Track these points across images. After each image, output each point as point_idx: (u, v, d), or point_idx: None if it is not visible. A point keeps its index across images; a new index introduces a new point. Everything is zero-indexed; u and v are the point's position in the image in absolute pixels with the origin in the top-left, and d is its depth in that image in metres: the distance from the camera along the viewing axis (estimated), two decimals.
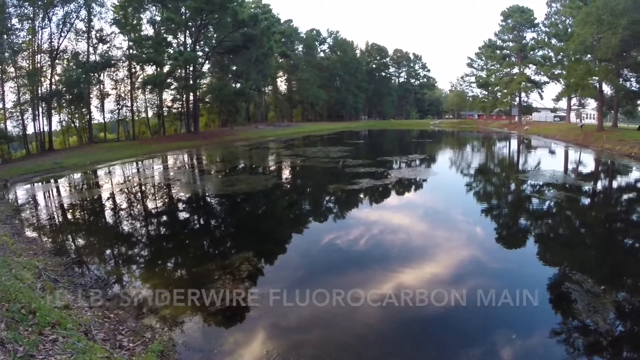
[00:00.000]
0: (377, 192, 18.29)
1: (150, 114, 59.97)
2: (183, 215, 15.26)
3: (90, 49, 48.66)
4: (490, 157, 37.15)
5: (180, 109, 59.13)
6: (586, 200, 18.52)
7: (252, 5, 74.58)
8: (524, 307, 7.29)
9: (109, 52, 50.86)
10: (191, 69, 53.59)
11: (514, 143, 52.18)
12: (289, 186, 20.87)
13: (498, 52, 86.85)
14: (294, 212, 15.95)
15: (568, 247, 11.66)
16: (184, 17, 51.80)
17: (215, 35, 57.10)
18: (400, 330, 6.78)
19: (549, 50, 71.42)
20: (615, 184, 23.22)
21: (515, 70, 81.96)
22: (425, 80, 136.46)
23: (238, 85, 60.43)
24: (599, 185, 22.49)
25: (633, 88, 47.98)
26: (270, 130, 67.59)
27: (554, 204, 16.50)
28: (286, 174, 24.93)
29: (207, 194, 18.31)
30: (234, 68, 61.30)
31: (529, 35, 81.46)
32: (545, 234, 12.90)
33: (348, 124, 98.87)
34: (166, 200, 17.37)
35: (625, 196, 20.07)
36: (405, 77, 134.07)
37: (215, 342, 6.36)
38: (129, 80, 53.72)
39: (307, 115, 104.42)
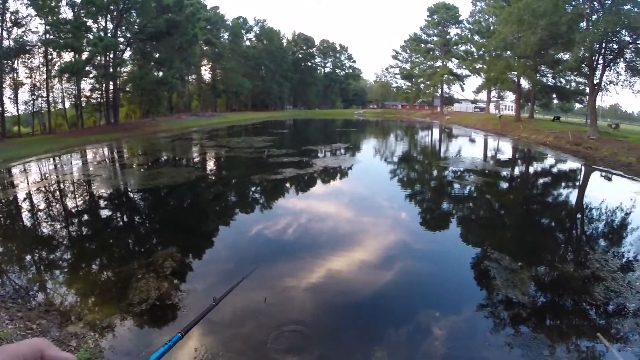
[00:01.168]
0: (302, 181, 17.67)
1: (67, 104, 54.53)
2: (104, 213, 13.91)
3: (4, 34, 44.31)
4: (413, 146, 37.42)
5: (99, 99, 54.17)
6: (504, 185, 19.10)
7: None
8: (449, 286, 7.76)
9: (24, 37, 45.63)
10: (111, 56, 49.39)
11: (436, 132, 53.25)
12: (212, 178, 19.87)
13: (423, 45, 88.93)
14: (218, 205, 15.05)
15: (487, 228, 12.15)
16: (105, 0, 48.30)
17: (137, 20, 52.68)
18: (333, 316, 6.70)
19: (472, 46, 74.00)
20: (531, 170, 24.13)
21: (439, 63, 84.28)
22: (350, 70, 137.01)
23: (160, 73, 57.09)
24: (516, 171, 23.18)
25: (549, 83, 50.50)
26: (194, 120, 64.91)
27: (474, 188, 16.91)
28: (209, 165, 23.86)
29: (128, 190, 16.91)
30: (157, 55, 57.55)
31: (453, 30, 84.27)
32: (466, 217, 13.22)
33: (273, 113, 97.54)
34: (86, 198, 15.78)
35: (540, 180, 20.77)
36: (331, 67, 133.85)
37: (143, 343, 5.90)
38: (45, 68, 48.50)
39: (232, 104, 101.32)
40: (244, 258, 9.06)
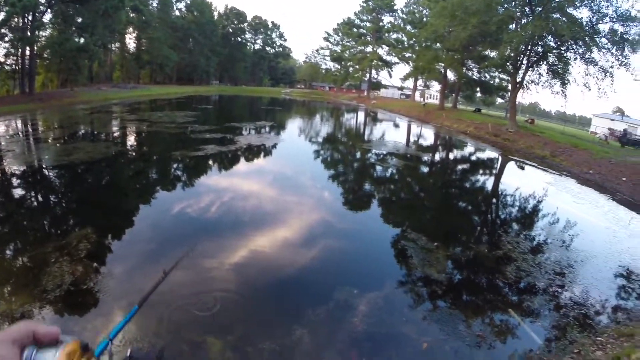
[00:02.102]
0: (225, 158, 16.76)
1: None
2: (14, 192, 12.51)
3: None
4: (338, 127, 37.08)
5: (14, 65, 49.53)
6: (424, 169, 19.27)
7: None
8: (368, 264, 7.74)
9: None
10: (30, 18, 45.29)
11: (361, 115, 53.33)
12: (131, 154, 18.37)
13: (355, 30, 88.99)
14: (137, 182, 13.85)
15: (407, 209, 12.21)
16: None
17: None
18: (255, 294, 6.42)
19: (403, 35, 74.74)
20: (451, 156, 24.63)
21: (369, 49, 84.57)
22: (280, 49, 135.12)
23: (82, 40, 53.14)
24: (437, 157, 23.55)
25: (474, 77, 52.08)
26: (115, 92, 60.40)
27: (395, 171, 16.92)
28: (129, 140, 22.18)
29: (41, 166, 15.36)
30: (79, 20, 53.00)
31: (387, 18, 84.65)
32: (387, 198, 13.16)
33: (198, 88, 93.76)
34: None
35: (459, 167, 21.18)
36: (261, 44, 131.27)
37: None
38: None
39: (156, 77, 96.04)
40: (164, 239, 8.22)
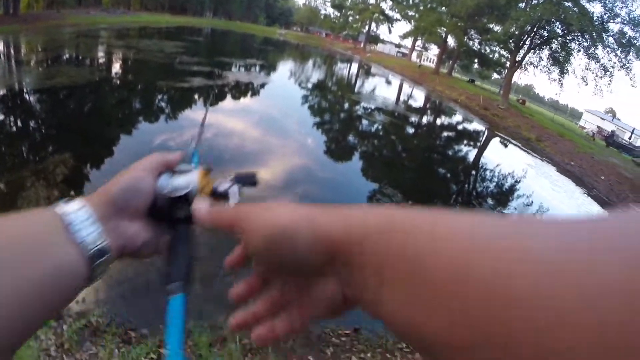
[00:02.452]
0: (211, 93, 16.43)
1: None
2: None
3: None
4: (329, 75, 36.51)
5: None
6: (410, 130, 19.08)
7: None
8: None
9: None
10: None
11: (355, 67, 52.51)
12: (115, 81, 17.46)
13: None
14: (118, 110, 13.27)
15: (387, 166, 12.13)
16: None
17: None
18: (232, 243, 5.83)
19: None
20: (438, 122, 24.43)
21: (373, 0, 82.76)
22: None
23: None
24: (424, 120, 23.34)
25: (474, 47, 51.39)
26: (104, 16, 57.29)
27: (381, 127, 16.83)
28: (114, 67, 21.24)
29: (22, 89, 14.52)
30: None
31: None
32: (369, 152, 13.15)
33: (191, 19, 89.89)
34: None
35: (445, 133, 21.13)
36: None
37: None
38: None
39: (147, 3, 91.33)
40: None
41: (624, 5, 28.71)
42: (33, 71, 17.27)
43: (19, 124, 11.05)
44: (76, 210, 0.53)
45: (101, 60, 22.33)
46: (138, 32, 43.18)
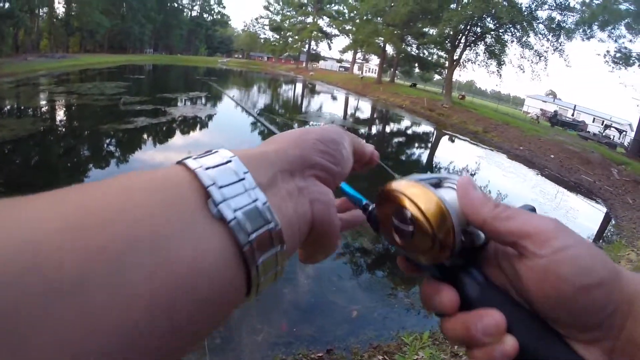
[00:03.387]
0: (156, 131, 16.09)
1: None
2: None
3: None
4: (275, 98, 36.57)
5: None
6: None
7: None
8: None
9: None
10: None
11: (299, 87, 53.14)
12: (58, 129, 17.08)
13: (296, 0, 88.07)
14: (63, 159, 13.04)
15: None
16: None
17: None
18: None
19: (344, 7, 74.52)
20: (387, 129, 24.81)
21: (310, 19, 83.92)
22: (218, 16, 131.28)
23: (6, 5, 48.98)
24: (373, 129, 23.56)
25: (413, 53, 52.59)
26: (42, 62, 56.01)
27: None
28: (56, 115, 20.70)
29: None
30: None
31: None
32: None
33: (132, 56, 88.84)
34: None
35: (395, 139, 21.38)
36: (199, 10, 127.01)
37: None
38: None
39: (86, 45, 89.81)
40: None
41: None
42: None
43: None
44: (223, 163, 0.35)
45: (43, 109, 21.80)
46: (78, 76, 42.35)
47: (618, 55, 28.99)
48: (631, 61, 28.41)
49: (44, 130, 16.28)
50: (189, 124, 18.26)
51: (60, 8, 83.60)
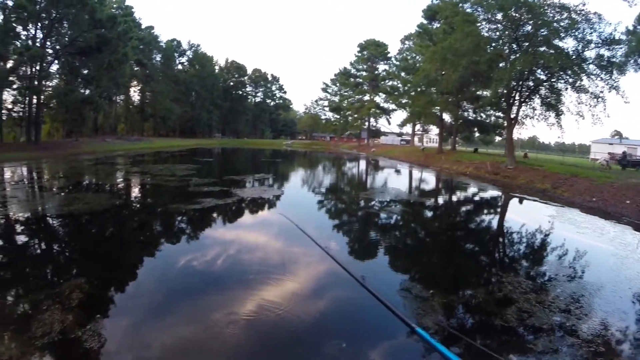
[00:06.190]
0: (223, 211, 16.65)
1: None
2: (14, 238, 12.48)
3: None
4: (339, 177, 37.13)
5: (21, 113, 50.49)
6: (426, 213, 19.01)
7: (114, 5, 68.73)
8: (367, 317, 7.12)
9: None
10: (38, 67, 46.46)
11: (363, 164, 53.61)
12: (130, 206, 18.12)
13: (352, 79, 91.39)
14: (131, 234, 13.87)
15: (412, 255, 11.98)
16: (38, 6, 44.45)
17: (69, 32, 49.84)
18: (265, 347, 6.11)
19: (398, 82, 76.52)
20: (453, 198, 24.60)
21: (367, 97, 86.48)
22: (281, 101, 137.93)
23: (87, 91, 53.96)
24: (439, 200, 23.49)
25: (470, 117, 52.97)
26: (119, 144, 60.43)
27: (399, 217, 16.72)
28: (129, 192, 22.04)
29: (42, 214, 15.29)
30: (85, 72, 53.98)
31: (382, 66, 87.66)
32: (392, 246, 12.60)
33: (201, 141, 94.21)
34: None
35: (461, 208, 21.13)
36: (262, 96, 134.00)
37: None
38: None
39: (159, 129, 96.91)
40: (151, 290, 8.16)
41: (592, 30, 29.63)
42: (53, 197, 18.11)
43: (37, 248, 11.53)
44: None
45: (117, 187, 23.19)
46: (152, 158, 45.11)
47: None
48: None
49: (118, 205, 17.41)
50: (255, 204, 18.57)
51: (135, 96, 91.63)
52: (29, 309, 6.87)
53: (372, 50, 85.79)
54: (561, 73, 30.98)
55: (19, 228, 13.16)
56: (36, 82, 46.23)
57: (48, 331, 5.92)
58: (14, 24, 44.69)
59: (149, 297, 7.73)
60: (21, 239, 12.13)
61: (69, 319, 6.41)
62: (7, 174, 26.54)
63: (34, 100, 48.29)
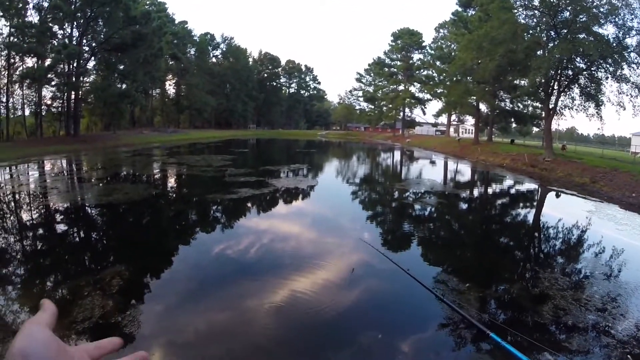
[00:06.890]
0: (258, 201, 16.89)
1: (27, 112, 51.53)
2: (54, 227, 13.09)
3: None
4: (374, 167, 37.33)
5: (60, 108, 52.34)
6: (461, 206, 18.96)
7: (147, 2, 70.31)
8: (398, 309, 7.38)
9: None
10: (75, 64, 48.16)
11: (397, 154, 53.66)
12: (167, 196, 18.74)
13: (386, 69, 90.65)
14: (168, 223, 14.24)
15: (447, 247, 11.91)
16: (73, 6, 45.91)
17: (104, 30, 51.47)
18: (296, 337, 6.40)
19: (433, 71, 75.63)
20: (488, 191, 24.45)
21: (401, 87, 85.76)
22: (315, 92, 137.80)
23: (124, 86, 55.42)
24: (474, 192, 23.33)
25: (507, 107, 52.04)
26: (156, 136, 62.14)
27: (434, 209, 16.75)
28: (166, 183, 22.66)
29: (82, 204, 15.89)
30: (121, 67, 55.43)
31: (416, 56, 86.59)
32: (427, 238, 12.71)
33: (236, 132, 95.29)
34: (40, 211, 14.85)
35: (497, 201, 20.93)
36: (296, 87, 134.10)
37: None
38: (7, 73, 45.45)
39: (195, 121, 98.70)
40: (188, 277, 8.52)
41: (633, 16, 28.79)
42: (92, 187, 18.79)
43: (78, 236, 12.07)
44: None
45: (154, 177, 23.83)
46: (188, 149, 46.04)
47: None
48: None
49: (156, 195, 17.95)
50: (290, 194, 18.87)
51: (171, 89, 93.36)
52: (71, 294, 7.28)
53: (406, 39, 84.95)
54: (601, 61, 30.15)
55: (59, 217, 13.80)
56: (74, 79, 47.85)
57: (89, 316, 6.35)
58: (50, 24, 46.31)
59: (185, 284, 8.16)
60: (62, 227, 12.77)
61: (109, 304, 6.82)
62: (48, 166, 27.49)
63: (72, 96, 49.83)
